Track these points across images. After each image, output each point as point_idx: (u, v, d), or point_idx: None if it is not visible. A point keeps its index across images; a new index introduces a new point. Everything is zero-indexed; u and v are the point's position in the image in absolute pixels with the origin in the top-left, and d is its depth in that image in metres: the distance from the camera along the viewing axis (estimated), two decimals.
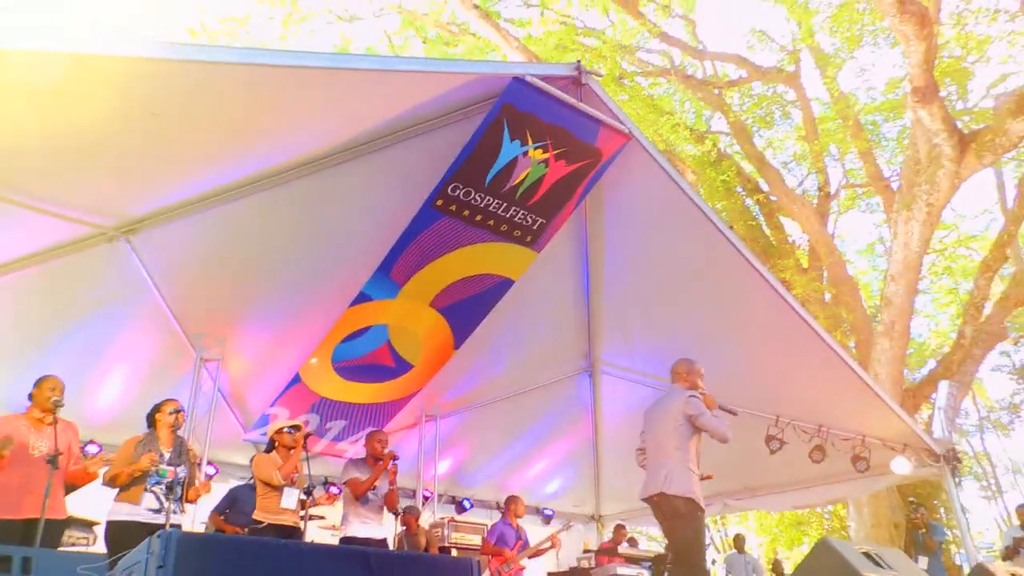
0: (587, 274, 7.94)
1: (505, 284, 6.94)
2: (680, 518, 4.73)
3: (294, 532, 5.44)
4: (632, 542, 12.78)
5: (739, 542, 12.08)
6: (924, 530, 9.06)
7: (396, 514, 6.88)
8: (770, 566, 12.65)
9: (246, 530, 5.93)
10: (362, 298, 6.67)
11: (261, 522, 5.42)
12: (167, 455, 4.97)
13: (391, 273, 6.44)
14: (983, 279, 12.97)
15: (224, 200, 5.64)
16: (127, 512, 4.76)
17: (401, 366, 7.59)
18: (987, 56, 14.69)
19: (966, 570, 7.88)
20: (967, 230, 21.08)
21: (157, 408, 5.16)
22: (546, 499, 11.25)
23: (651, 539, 21.71)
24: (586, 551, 9.74)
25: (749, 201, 16.56)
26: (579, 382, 9.61)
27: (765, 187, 16.22)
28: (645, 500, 5.06)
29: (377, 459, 6.08)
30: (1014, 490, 23.74)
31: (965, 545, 9.15)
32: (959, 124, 11.75)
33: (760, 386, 8.56)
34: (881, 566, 3.68)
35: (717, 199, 15.38)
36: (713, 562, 11.73)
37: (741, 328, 7.82)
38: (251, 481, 6.22)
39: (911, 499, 10.22)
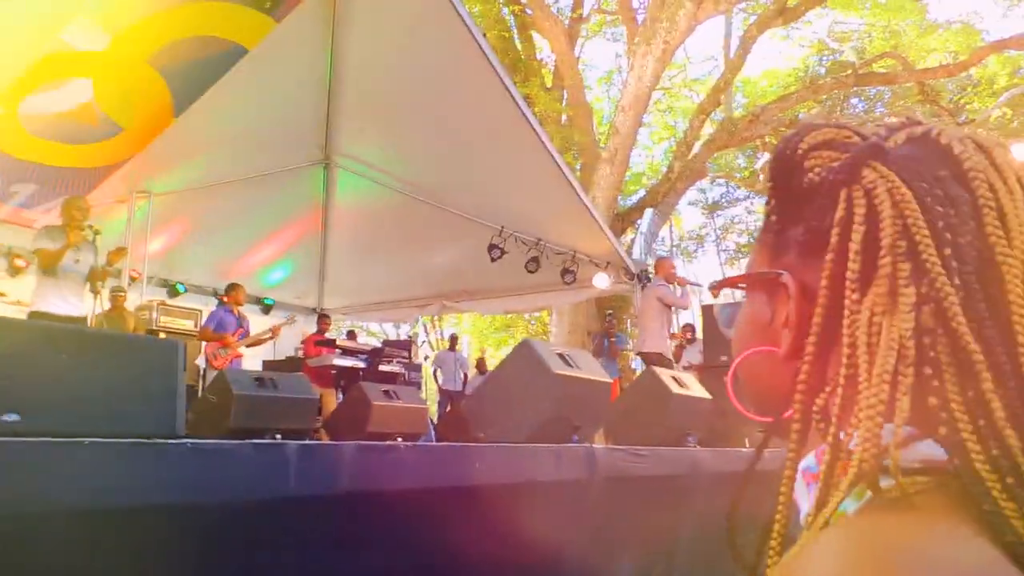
0: (330, 61, 7.47)
1: (237, 51, 6.27)
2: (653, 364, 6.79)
3: None
4: (351, 335, 13.17)
5: (453, 341, 12.95)
6: (612, 338, 10.30)
7: (96, 293, 6.35)
8: (475, 363, 13.76)
9: None
10: (60, 45, 5.66)
11: None
12: None
13: (98, 19, 5.50)
14: (697, 120, 14.20)
15: None
16: None
17: (108, 128, 6.68)
18: None
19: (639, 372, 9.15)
20: (692, 73, 22.82)
21: None
22: (267, 289, 11.06)
23: (370, 334, 22.57)
24: (303, 342, 9.85)
25: (506, 11, 16.33)
26: (312, 174, 9.29)
27: None
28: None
29: (77, 228, 5.49)
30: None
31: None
32: None
33: (490, 196, 8.87)
34: (570, 364, 4.10)
35: (474, 2, 14.97)
36: (426, 358, 12.51)
37: (481, 138, 7.92)
38: None
39: (608, 311, 11.48)
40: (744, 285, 0.63)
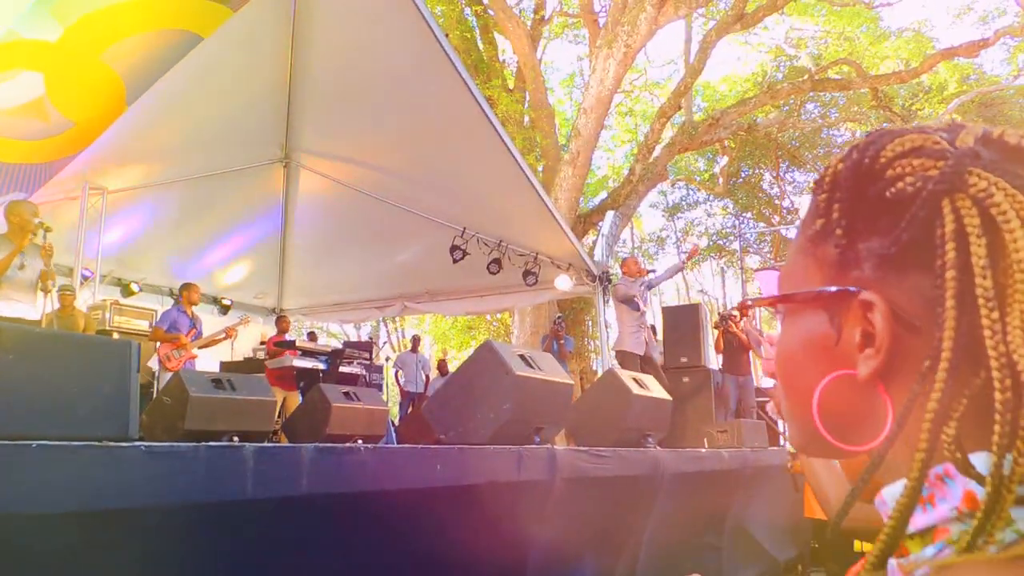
0: (290, 59, 7.38)
1: (191, 40, 6.12)
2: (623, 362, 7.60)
3: None
4: (312, 337, 13.02)
5: (415, 342, 12.88)
6: (562, 340, 10.34)
7: (46, 292, 6.18)
8: (437, 364, 13.71)
9: None
10: (9, 34, 5.47)
11: None
12: None
13: (50, 8, 5.32)
14: (658, 123, 14.31)
15: None
16: None
17: (59, 124, 6.48)
18: None
19: (600, 374, 9.21)
20: (653, 77, 23.06)
21: None
22: (225, 289, 10.89)
23: (331, 335, 22.37)
24: (262, 343, 9.71)
25: (468, 12, 16.32)
26: (271, 172, 9.17)
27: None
28: None
29: (27, 232, 5.33)
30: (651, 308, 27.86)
31: (603, 354, 10.67)
32: None
33: (452, 197, 8.85)
34: (531, 366, 4.11)
35: (436, 2, 14.93)
36: (387, 359, 12.43)
37: (443, 138, 7.90)
38: None
39: (558, 315, 11.53)
40: (788, 304, 0.59)
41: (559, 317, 11.13)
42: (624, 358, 7.71)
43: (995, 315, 0.46)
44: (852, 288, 0.54)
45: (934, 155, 0.51)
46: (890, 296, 0.52)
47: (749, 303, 0.73)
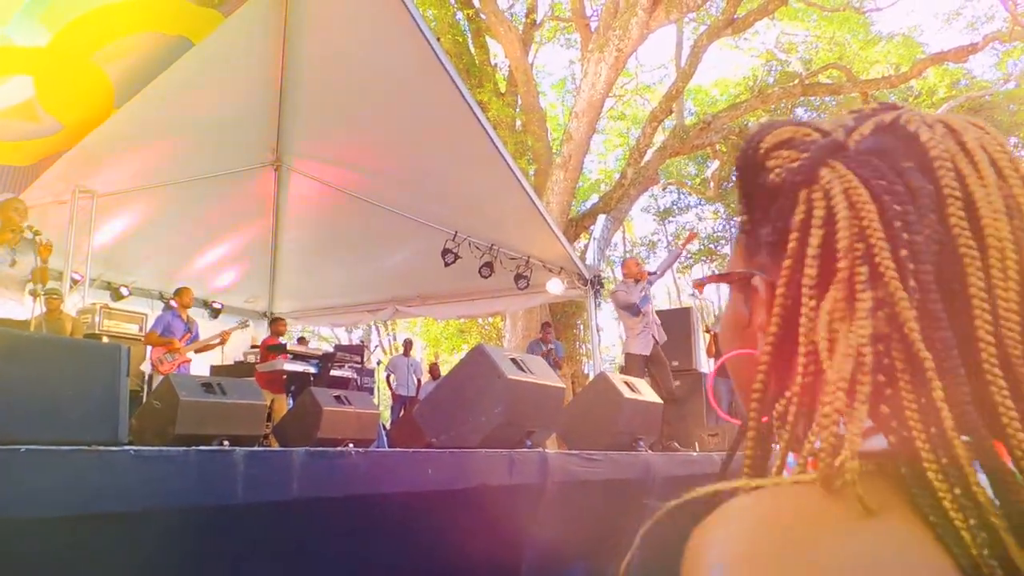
0: (282, 62, 7.37)
1: (183, 45, 6.12)
2: (628, 364, 7.61)
3: None
4: (302, 341, 12.98)
5: (407, 346, 12.86)
6: (550, 345, 10.34)
7: (36, 296, 6.15)
8: (428, 368, 13.70)
9: None
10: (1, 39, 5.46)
11: None
12: None
13: (39, 15, 5.32)
14: (649, 127, 14.36)
15: None
16: None
17: (49, 126, 6.46)
18: None
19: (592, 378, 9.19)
20: (645, 81, 23.12)
21: None
22: (216, 293, 10.85)
23: (322, 339, 22.31)
24: (253, 347, 9.67)
25: (460, 16, 16.34)
26: (262, 175, 9.15)
27: (477, 3, 16.07)
28: None
29: (14, 230, 5.31)
30: None
31: (594, 357, 10.68)
32: None
33: (444, 200, 8.84)
34: (523, 370, 4.11)
35: (428, 6, 14.95)
36: (379, 363, 12.40)
37: (435, 142, 7.89)
38: None
39: (545, 321, 11.54)
40: (726, 284, 0.62)
41: (545, 323, 11.14)
42: (629, 360, 7.67)
43: (812, 303, 0.49)
44: (749, 272, 0.57)
45: (799, 147, 0.53)
46: (775, 280, 0.53)
47: (699, 280, 0.78)
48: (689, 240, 9.54)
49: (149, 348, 7.83)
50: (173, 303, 8.11)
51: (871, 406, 0.47)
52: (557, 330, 12.58)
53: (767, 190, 0.54)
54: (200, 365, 8.78)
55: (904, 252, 0.47)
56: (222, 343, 8.20)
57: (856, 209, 0.48)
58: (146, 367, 7.80)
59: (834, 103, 18.47)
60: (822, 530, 0.43)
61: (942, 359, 0.46)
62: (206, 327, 8.96)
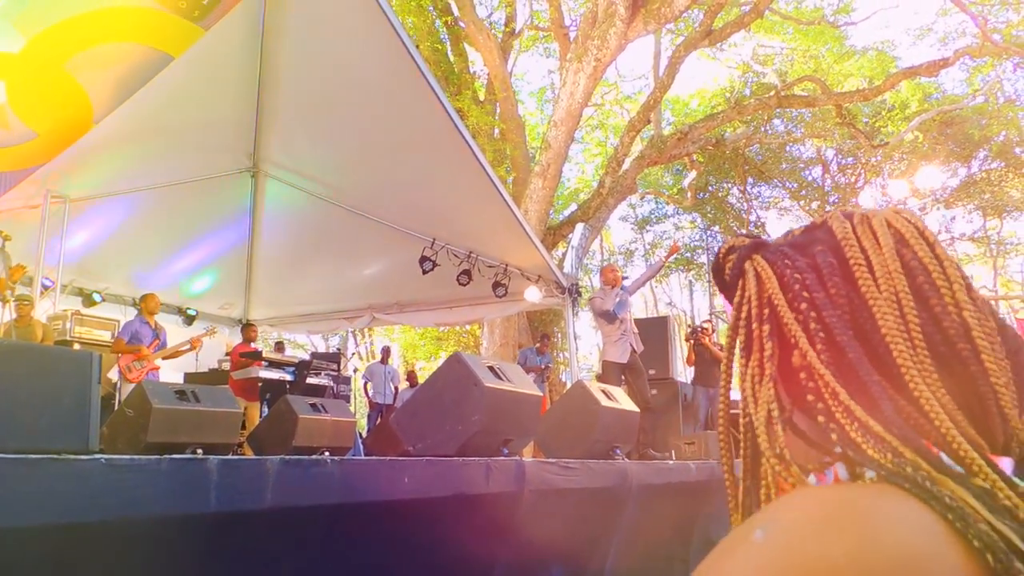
0: (259, 70, 7.33)
1: (163, 60, 6.08)
2: (605, 372, 7.71)
3: None
4: (280, 346, 12.89)
5: (385, 354, 12.81)
6: (546, 358, 10.39)
7: (4, 302, 6.07)
8: (406, 376, 13.64)
9: None
10: None
11: None
12: None
13: (13, 20, 5.26)
14: (627, 137, 14.43)
15: None
16: None
17: (21, 134, 6.38)
18: None
19: (569, 386, 9.21)
20: (623, 91, 23.26)
21: None
22: (191, 299, 10.74)
23: (297, 346, 22.13)
24: (227, 354, 9.57)
25: (439, 23, 16.36)
26: (238, 182, 9.08)
27: (456, 11, 16.09)
28: None
29: None
30: None
31: (571, 366, 10.70)
32: None
33: (422, 208, 8.83)
34: (500, 378, 4.10)
35: (407, 14, 14.94)
36: (355, 371, 12.33)
37: (413, 150, 7.88)
38: None
39: (544, 333, 11.61)
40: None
41: (544, 335, 11.24)
42: (606, 368, 7.68)
43: (742, 362, 0.65)
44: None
45: (736, 251, 0.70)
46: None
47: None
48: (672, 253, 9.63)
49: (118, 356, 7.71)
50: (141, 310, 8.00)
51: (822, 431, 0.58)
52: (534, 339, 12.59)
53: (726, 285, 0.71)
54: (174, 373, 8.68)
55: (804, 305, 0.61)
56: (192, 350, 8.10)
57: (762, 282, 0.65)
58: (114, 375, 7.68)
59: (809, 115, 18.72)
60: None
61: (851, 378, 0.58)
62: (181, 333, 8.86)
